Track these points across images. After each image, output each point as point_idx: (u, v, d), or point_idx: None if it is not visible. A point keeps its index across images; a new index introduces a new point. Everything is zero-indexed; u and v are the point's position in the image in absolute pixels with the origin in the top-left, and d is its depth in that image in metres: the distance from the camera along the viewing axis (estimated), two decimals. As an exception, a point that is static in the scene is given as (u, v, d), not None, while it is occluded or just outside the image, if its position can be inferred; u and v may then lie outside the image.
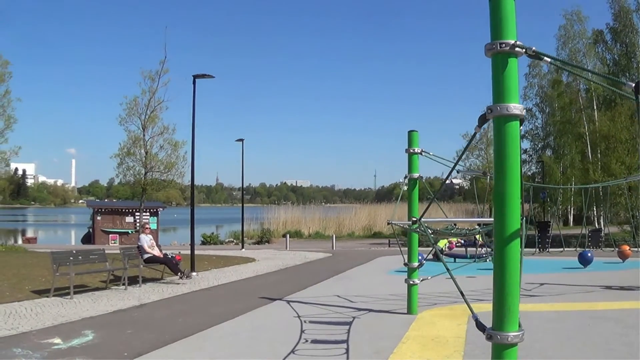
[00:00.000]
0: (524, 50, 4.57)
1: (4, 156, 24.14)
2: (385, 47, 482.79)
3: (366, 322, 12.22)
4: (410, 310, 13.14)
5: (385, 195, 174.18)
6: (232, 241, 56.43)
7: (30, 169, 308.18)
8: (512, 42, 4.53)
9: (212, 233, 59.12)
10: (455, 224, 16.35)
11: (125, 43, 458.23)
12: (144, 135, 31.67)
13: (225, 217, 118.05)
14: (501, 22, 4.59)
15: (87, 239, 56.79)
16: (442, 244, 28.13)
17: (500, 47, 4.54)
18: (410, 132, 13.31)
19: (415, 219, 8.00)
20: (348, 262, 28.06)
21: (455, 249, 29.77)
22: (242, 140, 45.48)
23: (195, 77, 23.79)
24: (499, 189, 4.51)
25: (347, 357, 9.13)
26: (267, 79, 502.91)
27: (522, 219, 4.57)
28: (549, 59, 4.72)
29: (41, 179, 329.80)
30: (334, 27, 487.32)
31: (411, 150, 13.20)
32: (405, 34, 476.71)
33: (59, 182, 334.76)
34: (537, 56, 4.65)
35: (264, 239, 56.81)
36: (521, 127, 4.64)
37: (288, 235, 46.69)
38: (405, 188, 13.66)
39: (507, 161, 4.47)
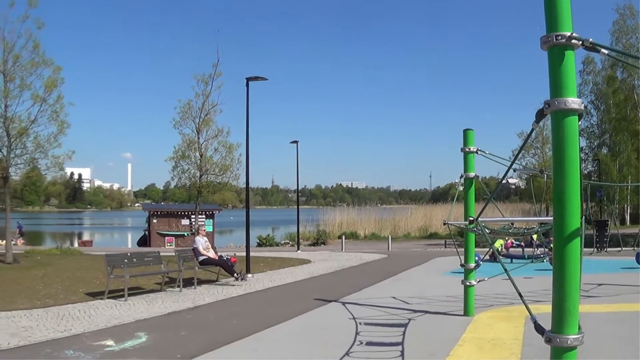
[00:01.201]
0: (580, 42, 4.42)
1: (58, 160, 24.36)
2: (439, 44, 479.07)
3: (422, 324, 12.08)
4: (466, 312, 12.96)
5: (441, 195, 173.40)
6: (288, 243, 56.51)
7: (86, 173, 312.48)
8: (568, 34, 4.38)
9: (268, 235, 59.25)
10: (512, 224, 16.14)
11: (179, 46, 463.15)
12: (198, 138, 31.90)
13: (280, 219, 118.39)
14: (557, 14, 4.45)
15: (143, 241, 57.29)
16: (498, 244, 27.78)
17: (557, 39, 4.40)
18: (465, 131, 13.13)
19: (472, 219, 7.85)
20: (404, 263, 27.87)
21: (511, 249, 29.42)
22: (296, 142, 45.57)
23: (248, 79, 23.82)
24: (558, 186, 4.36)
25: (403, 359, 9.00)
26: (322, 80, 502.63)
27: (581, 218, 4.42)
28: (606, 51, 4.56)
29: (97, 183, 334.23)
30: (384, 26, 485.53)
31: (467, 149, 13.02)
32: (459, 29, 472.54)
33: (115, 186, 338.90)
34: (593, 48, 4.50)
35: (319, 240, 56.75)
36: (579, 123, 4.49)
37: (344, 237, 46.62)
38: (461, 188, 13.50)
39: (566, 157, 4.32)
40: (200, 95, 31.65)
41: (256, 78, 23.95)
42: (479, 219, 8.49)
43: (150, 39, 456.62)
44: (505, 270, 6.44)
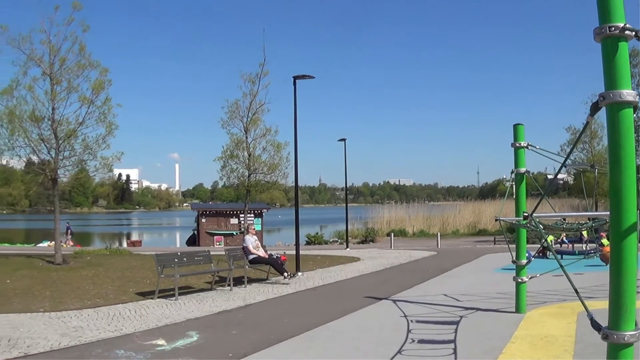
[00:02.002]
0: (634, 33, 4.34)
1: (107, 162, 24.54)
2: (486, 38, 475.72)
3: (474, 321, 12.00)
4: (518, 309, 12.84)
5: (489, 191, 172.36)
6: (337, 241, 56.52)
7: (134, 174, 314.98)
8: (622, 25, 4.31)
9: (317, 233, 59.28)
10: (564, 219, 15.93)
11: (225, 45, 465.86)
12: (246, 137, 31.93)
13: (328, 217, 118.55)
14: (609, 5, 4.38)
15: (192, 241, 57.67)
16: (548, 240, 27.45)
17: (610, 30, 4.33)
18: (515, 126, 13.00)
19: (526, 215, 7.73)
20: (453, 260, 27.74)
21: (561, 245, 29.12)
22: (344, 140, 45.55)
23: (295, 77, 23.87)
24: (614, 180, 4.28)
25: (455, 357, 8.96)
26: (368, 79, 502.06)
27: (638, 213, 4.34)
28: (659, 42, 4.48)
29: (145, 183, 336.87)
30: (433, 20, 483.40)
31: (517, 144, 12.89)
32: (507, 24, 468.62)
33: (163, 187, 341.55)
34: (647, 39, 4.41)
35: (368, 238, 56.62)
36: (635, 115, 4.41)
37: (392, 234, 46.50)
38: (511, 183, 13.36)
39: (622, 150, 4.25)
40: (247, 94, 31.66)
41: (303, 76, 23.97)
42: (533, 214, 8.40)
43: (197, 41, 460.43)
44: (561, 266, 6.36)
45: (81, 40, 24.04)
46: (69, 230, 54.93)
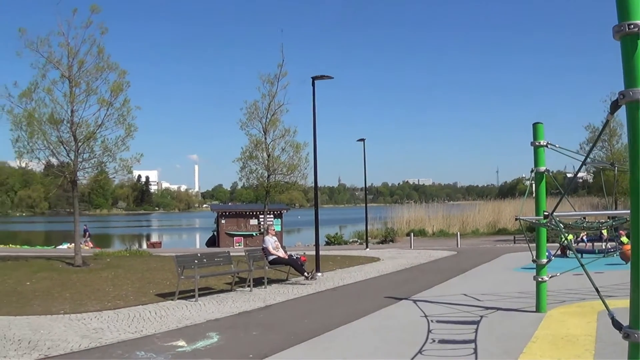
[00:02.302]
0: (653, 30, 4.32)
1: (126, 164, 24.57)
2: (504, 39, 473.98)
3: (494, 321, 11.95)
4: (539, 308, 12.79)
5: (508, 191, 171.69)
6: (356, 241, 56.51)
7: (153, 175, 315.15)
8: (641, 22, 4.29)
9: (336, 233, 59.28)
10: (584, 218, 15.86)
11: (244, 46, 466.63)
12: (265, 138, 32.00)
13: (348, 218, 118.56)
14: (628, 3, 4.36)
15: (212, 242, 57.81)
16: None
17: (629, 28, 4.31)
18: (535, 125, 12.95)
19: (547, 214, 7.69)
20: (473, 259, 27.70)
21: (580, 244, 28.99)
22: (363, 140, 45.51)
23: (314, 78, 23.88)
24: (635, 178, 4.26)
25: (476, 357, 8.92)
26: (387, 79, 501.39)
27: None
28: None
29: (165, 185, 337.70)
30: (451, 22, 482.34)
31: (537, 143, 12.84)
32: (525, 25, 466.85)
33: (183, 188, 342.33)
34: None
35: (387, 238, 56.62)
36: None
37: (412, 234, 46.46)
38: (531, 182, 13.32)
39: (643, 148, 4.22)
40: (266, 95, 31.69)
41: (322, 77, 23.99)
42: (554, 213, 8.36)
43: (215, 42, 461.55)
44: (582, 265, 6.35)
45: (99, 42, 24.08)
46: (87, 232, 54.97)
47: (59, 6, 24.51)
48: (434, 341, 10.13)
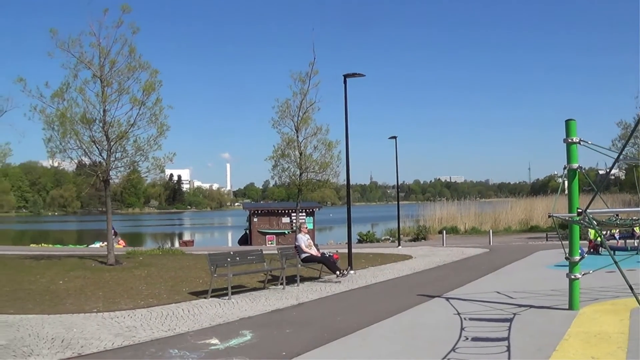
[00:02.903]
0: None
1: (159, 163, 24.71)
2: (535, 37, 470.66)
3: (527, 318, 11.92)
4: (571, 306, 12.74)
5: (540, 188, 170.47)
6: (388, 239, 56.42)
7: (185, 174, 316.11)
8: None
9: (368, 231, 59.16)
10: (617, 215, 15.81)
11: (275, 45, 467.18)
12: (297, 136, 32.05)
13: (380, 215, 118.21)
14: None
15: (244, 240, 57.97)
16: (594, 235, 26.94)
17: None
18: (567, 121, 12.90)
19: (580, 211, 7.71)
20: (506, 257, 27.62)
21: (610, 241, 28.83)
22: (395, 137, 45.38)
23: (345, 76, 23.91)
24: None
25: (509, 355, 8.90)
26: (419, 76, 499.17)
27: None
28: None
29: (197, 183, 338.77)
30: (481, 21, 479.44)
31: (569, 140, 12.78)
32: (556, 23, 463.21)
33: (215, 186, 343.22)
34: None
35: (420, 235, 56.42)
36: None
37: (444, 232, 46.34)
38: (563, 180, 13.29)
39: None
40: (298, 94, 31.73)
41: (353, 75, 24.01)
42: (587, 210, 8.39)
43: (248, 40, 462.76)
44: (616, 262, 6.39)
45: (131, 42, 24.24)
46: (114, 231, 54.53)
47: (89, 6, 24.77)
48: (467, 339, 10.12)
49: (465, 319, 12.01)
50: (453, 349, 9.38)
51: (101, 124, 23.75)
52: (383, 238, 58.04)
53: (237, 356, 9.55)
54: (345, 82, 23.72)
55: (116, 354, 9.86)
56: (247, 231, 58.50)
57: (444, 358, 8.91)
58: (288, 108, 32.06)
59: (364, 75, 24.42)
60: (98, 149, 24.10)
